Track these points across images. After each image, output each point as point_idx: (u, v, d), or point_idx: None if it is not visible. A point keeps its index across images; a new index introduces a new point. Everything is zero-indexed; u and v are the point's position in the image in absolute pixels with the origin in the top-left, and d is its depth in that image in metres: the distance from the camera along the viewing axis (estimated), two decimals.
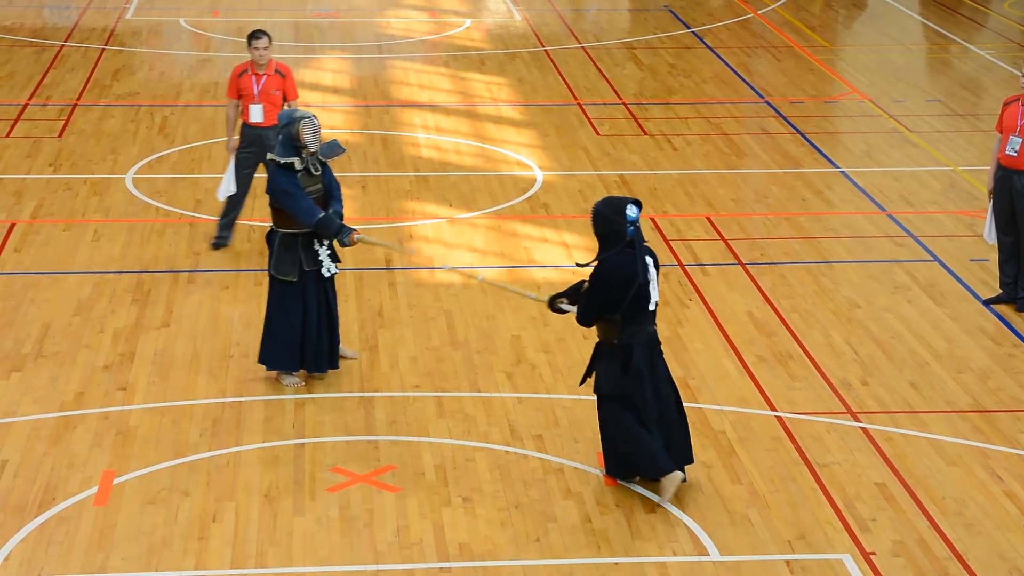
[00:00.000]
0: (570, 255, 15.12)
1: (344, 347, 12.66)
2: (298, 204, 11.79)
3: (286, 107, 14.81)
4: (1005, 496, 10.82)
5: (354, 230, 11.89)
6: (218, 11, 25.63)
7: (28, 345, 12.96)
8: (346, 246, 11.93)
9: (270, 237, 12.10)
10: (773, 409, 12.05)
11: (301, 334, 12.08)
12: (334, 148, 12.21)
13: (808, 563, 9.96)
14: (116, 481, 10.81)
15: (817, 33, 24.96)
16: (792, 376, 12.62)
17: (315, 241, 11.99)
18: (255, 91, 14.74)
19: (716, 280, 14.58)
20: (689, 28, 25.03)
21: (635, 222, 10.36)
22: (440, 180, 17.30)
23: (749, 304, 14.05)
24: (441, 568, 9.86)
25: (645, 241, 10.52)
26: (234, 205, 15.03)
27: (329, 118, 19.44)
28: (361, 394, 12.17)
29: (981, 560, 10.03)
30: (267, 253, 12.14)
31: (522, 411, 11.93)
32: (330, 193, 12.10)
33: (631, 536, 10.22)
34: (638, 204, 10.40)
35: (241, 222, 15.42)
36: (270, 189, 11.93)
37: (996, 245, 14.19)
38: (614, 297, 10.35)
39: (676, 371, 12.16)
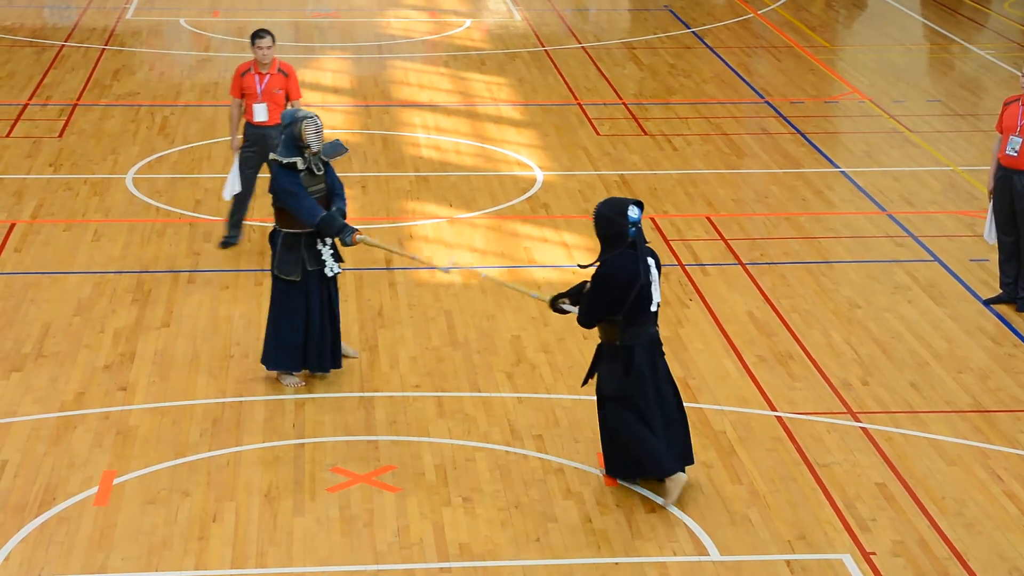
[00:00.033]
0: (570, 255, 15.12)
1: (345, 346, 12.66)
2: (300, 204, 11.80)
3: (289, 106, 14.82)
4: (1005, 496, 10.82)
5: (356, 230, 11.89)
6: (218, 11, 25.63)
7: (28, 345, 12.97)
8: (348, 245, 11.93)
9: (273, 237, 12.10)
10: (773, 409, 12.05)
11: (304, 334, 12.09)
12: (336, 148, 12.22)
13: (808, 563, 9.96)
14: (116, 481, 10.81)
15: (817, 33, 24.97)
16: (792, 376, 12.63)
17: (318, 241, 12.00)
18: (258, 90, 14.75)
19: (716, 280, 14.58)
20: (689, 28, 25.04)
21: (637, 223, 10.35)
22: (440, 180, 17.30)
23: (749, 304, 14.05)
24: (441, 568, 9.87)
25: (647, 242, 10.52)
26: (240, 204, 15.04)
27: (329, 118, 19.44)
28: (361, 394, 12.17)
29: (981, 560, 10.03)
30: (267, 253, 12.15)
31: (522, 411, 11.93)
32: (333, 192, 12.11)
33: (631, 536, 10.22)
34: (640, 205, 10.40)
35: (242, 222, 15.41)
36: (273, 189, 11.94)
37: (996, 245, 14.19)
38: (616, 298, 10.35)
39: (676, 371, 12.16)
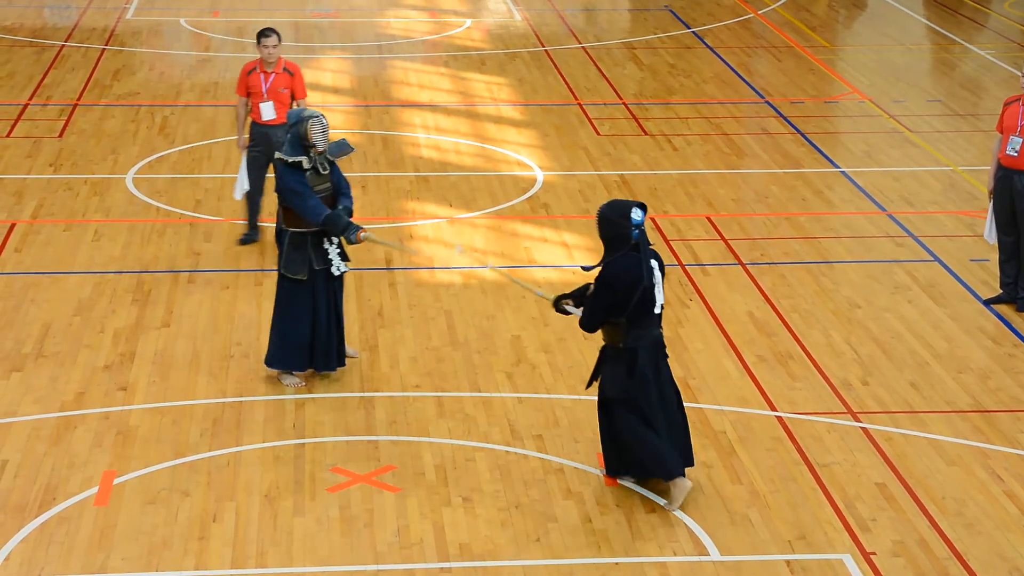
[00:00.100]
0: (570, 255, 15.12)
1: (347, 345, 12.66)
2: (305, 203, 11.81)
3: (295, 106, 14.85)
4: (1005, 496, 10.82)
5: (361, 228, 11.90)
6: (218, 11, 25.63)
7: (28, 345, 12.97)
8: (353, 243, 11.93)
9: (280, 236, 12.11)
10: (773, 409, 12.05)
11: (311, 333, 12.09)
12: (342, 147, 12.24)
13: (808, 563, 9.96)
14: (116, 481, 10.81)
15: (817, 33, 24.97)
16: (792, 376, 12.63)
17: (325, 239, 12.00)
18: (263, 89, 14.77)
19: (716, 280, 14.58)
20: (689, 28, 25.04)
21: (640, 225, 10.34)
22: (440, 180, 17.30)
23: (749, 304, 14.05)
24: (441, 568, 9.87)
25: (650, 244, 10.50)
26: (253, 202, 15.07)
27: (329, 118, 19.32)
28: (361, 394, 12.17)
29: (981, 560, 10.03)
30: (267, 252, 12.15)
31: (522, 411, 11.93)
32: (339, 191, 12.12)
33: (631, 536, 10.22)
34: (643, 207, 10.38)
35: (243, 222, 15.41)
36: (278, 188, 11.96)
37: (996, 245, 14.19)
38: (619, 301, 10.33)
39: (676, 371, 12.15)
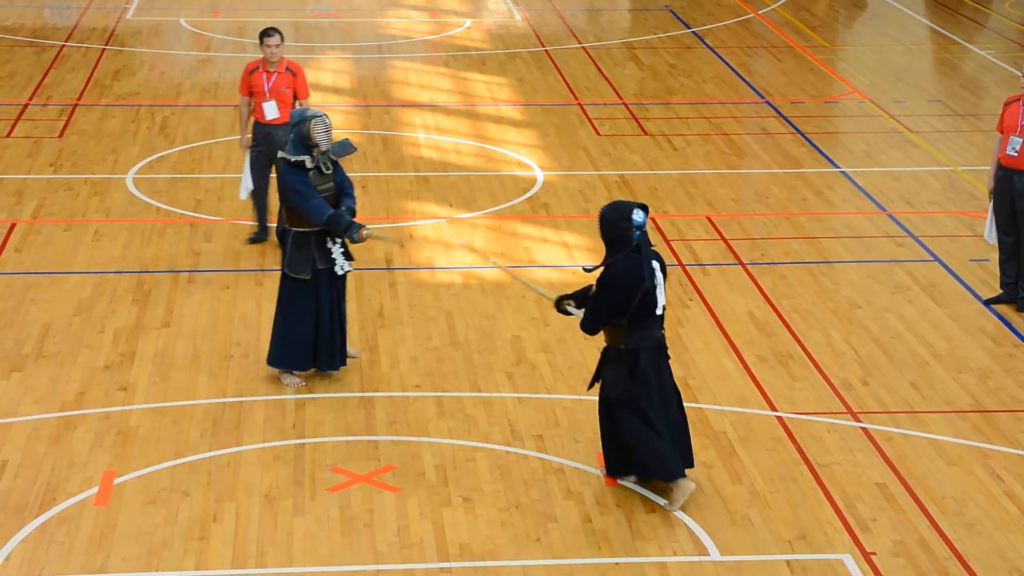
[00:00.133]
0: (571, 255, 15.12)
1: (347, 345, 12.66)
2: (308, 203, 11.81)
3: (297, 105, 14.86)
4: (1005, 496, 10.82)
5: (363, 226, 11.91)
6: (218, 11, 25.63)
7: (28, 345, 12.97)
8: (356, 242, 11.93)
9: (283, 236, 12.11)
10: (773, 409, 12.05)
11: (314, 332, 12.09)
12: (345, 147, 12.25)
13: (808, 563, 9.96)
14: (116, 481, 10.81)
15: (817, 33, 24.97)
16: (792, 376, 12.62)
17: (328, 239, 12.00)
18: (266, 88, 14.78)
19: (716, 280, 14.58)
20: (689, 28, 25.04)
21: (641, 227, 10.33)
22: (440, 180, 17.30)
23: (749, 304, 14.05)
24: (441, 568, 9.87)
25: (652, 245, 10.49)
26: (260, 201, 15.08)
27: (330, 118, 19.40)
28: (361, 394, 12.17)
29: (981, 560, 10.03)
30: (268, 252, 12.15)
31: (522, 411, 11.93)
32: (342, 191, 12.13)
33: (631, 536, 10.22)
34: (645, 209, 10.37)
35: (243, 222, 15.42)
36: (281, 187, 11.97)
37: (996, 245, 14.19)
38: (620, 302, 10.33)
39: (677, 371, 12.14)
